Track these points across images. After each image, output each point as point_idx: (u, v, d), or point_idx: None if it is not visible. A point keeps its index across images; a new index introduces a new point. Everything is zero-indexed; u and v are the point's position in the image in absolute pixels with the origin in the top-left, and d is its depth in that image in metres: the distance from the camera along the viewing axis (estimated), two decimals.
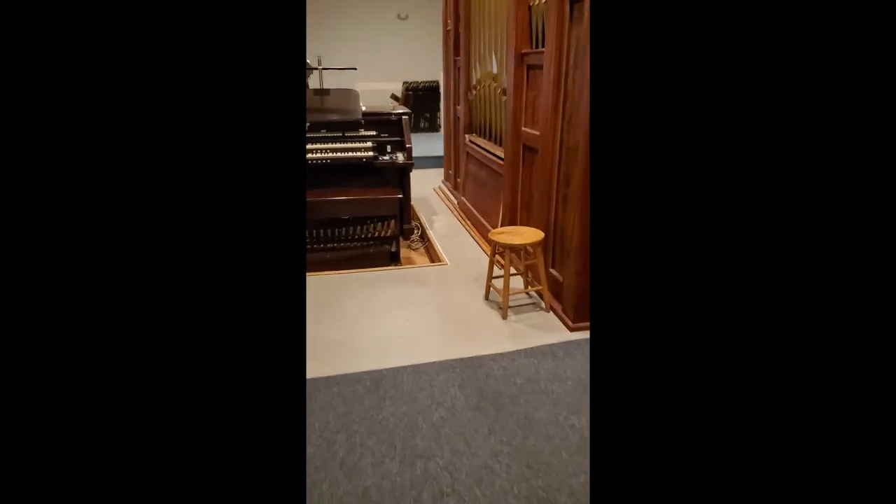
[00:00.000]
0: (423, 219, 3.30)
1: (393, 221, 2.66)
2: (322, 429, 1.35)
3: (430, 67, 6.78)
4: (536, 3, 2.05)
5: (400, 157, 2.71)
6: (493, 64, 2.65)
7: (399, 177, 2.78)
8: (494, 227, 2.63)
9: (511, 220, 2.43)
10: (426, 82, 6.83)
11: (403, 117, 2.76)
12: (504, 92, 2.49)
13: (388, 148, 2.78)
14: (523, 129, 2.23)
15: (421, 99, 6.68)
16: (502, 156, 2.53)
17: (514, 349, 1.74)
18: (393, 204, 2.61)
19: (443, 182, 4.19)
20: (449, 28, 3.57)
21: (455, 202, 3.57)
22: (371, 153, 2.68)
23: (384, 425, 1.36)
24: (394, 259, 2.76)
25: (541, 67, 2.01)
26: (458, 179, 3.61)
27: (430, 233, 3.01)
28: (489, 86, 2.75)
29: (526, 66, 2.16)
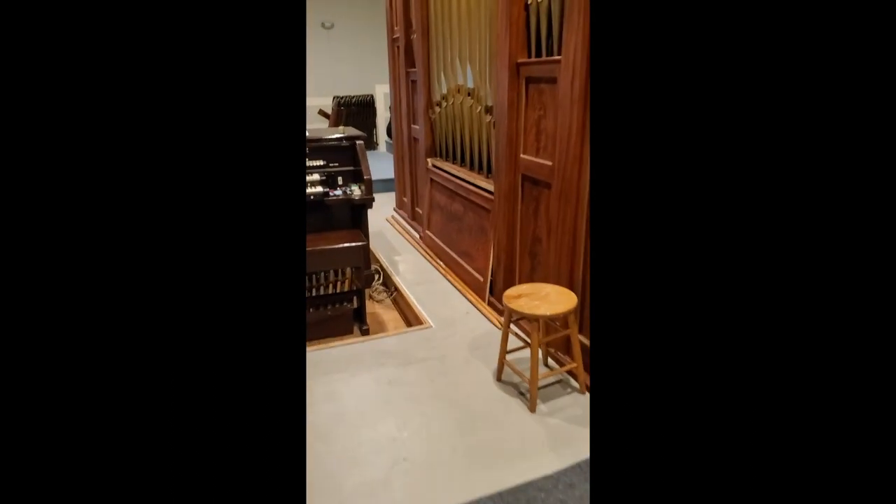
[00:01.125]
0: (383, 260, 2.76)
1: (350, 270, 2.09)
2: None
3: (362, 80, 6.23)
4: (535, 1, 1.63)
5: (356, 190, 2.16)
6: (468, 77, 2.19)
7: (356, 215, 2.23)
8: (482, 272, 2.16)
9: (508, 267, 1.98)
10: (359, 96, 6.27)
11: (358, 142, 2.22)
12: (489, 111, 2.04)
13: (340, 180, 2.23)
14: (522, 156, 1.80)
15: (354, 115, 6.10)
16: (489, 188, 2.07)
17: (563, 465, 1.26)
18: (355, 254, 2.05)
19: (396, 211, 3.66)
20: (397, 36, 3.08)
21: (417, 236, 3.07)
22: (319, 188, 2.12)
23: None
24: (359, 319, 2.19)
25: (550, 81, 1.58)
26: (419, 209, 3.11)
27: (398, 280, 2.48)
28: (460, 103, 2.30)
29: (524, 80, 1.73)
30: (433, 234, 2.77)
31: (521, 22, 1.71)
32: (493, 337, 1.89)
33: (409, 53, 2.96)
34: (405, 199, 3.43)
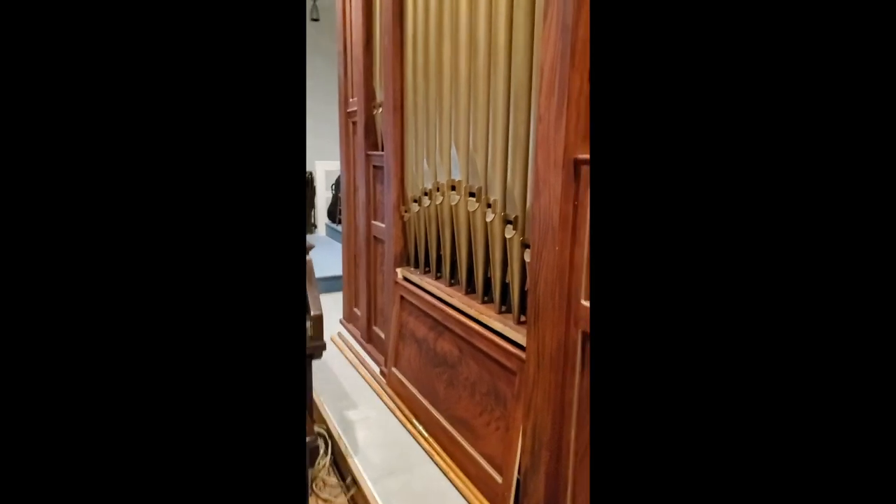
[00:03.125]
0: (330, 419, 1.89)
1: None
2: None
3: None
4: None
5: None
6: (474, 170, 1.53)
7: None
8: (500, 467, 1.38)
9: (552, 473, 1.22)
10: None
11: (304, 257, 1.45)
12: (513, 224, 1.36)
13: None
14: (584, 303, 1.11)
15: None
16: (516, 338, 1.36)
17: None
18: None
19: (343, 324, 2.82)
20: (353, 110, 2.43)
21: (376, 370, 2.24)
22: None
23: None
24: None
25: None
26: (378, 331, 2.32)
27: (356, 465, 1.61)
28: (455, 204, 1.62)
29: (589, 186, 1.08)
30: (404, 375, 1.97)
31: (585, 98, 1.10)
32: None
33: (371, 132, 2.30)
34: (357, 312, 2.62)
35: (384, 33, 2.01)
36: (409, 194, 1.96)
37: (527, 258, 1.31)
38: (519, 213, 1.34)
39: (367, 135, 2.31)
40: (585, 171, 1.09)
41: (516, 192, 1.33)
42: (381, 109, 2.16)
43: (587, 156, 1.09)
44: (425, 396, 1.80)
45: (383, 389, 2.09)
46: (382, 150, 2.17)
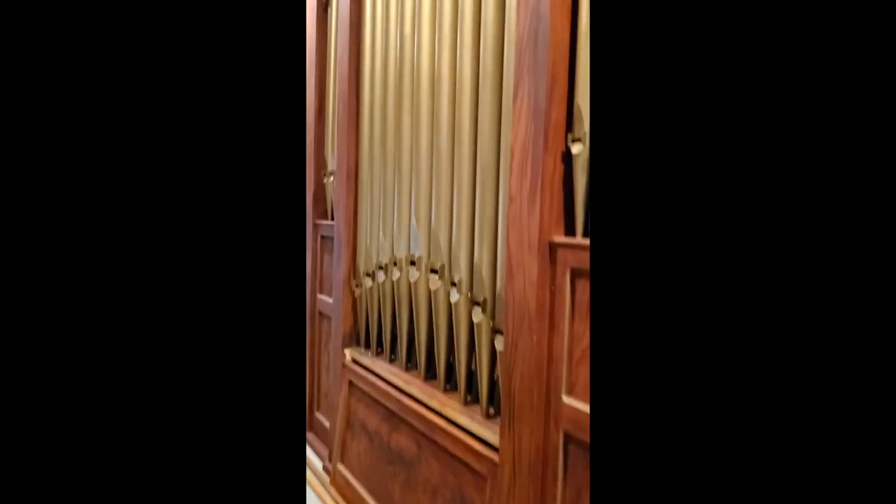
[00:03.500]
0: None
1: None
2: None
3: None
4: (582, 151, 1.00)
5: None
6: (436, 247, 1.44)
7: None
8: None
9: None
10: None
11: None
12: (481, 305, 1.26)
13: None
14: (566, 399, 1.00)
15: None
16: (486, 436, 1.21)
17: None
18: None
19: None
20: None
21: (317, 466, 1.97)
22: None
23: None
24: None
25: None
26: (322, 418, 2.08)
27: None
28: (415, 281, 1.51)
29: (566, 270, 1.01)
30: (352, 473, 1.73)
31: (558, 181, 1.05)
32: None
33: (321, 200, 2.19)
34: None
35: (339, 102, 1.95)
36: (362, 268, 1.82)
37: (498, 346, 1.20)
38: (488, 295, 1.24)
39: (315, 203, 2.18)
40: (562, 254, 1.02)
41: (484, 272, 1.24)
42: (332, 178, 2.06)
43: (563, 238, 1.03)
44: (377, 499, 1.57)
45: (326, 490, 1.82)
46: (332, 220, 2.04)
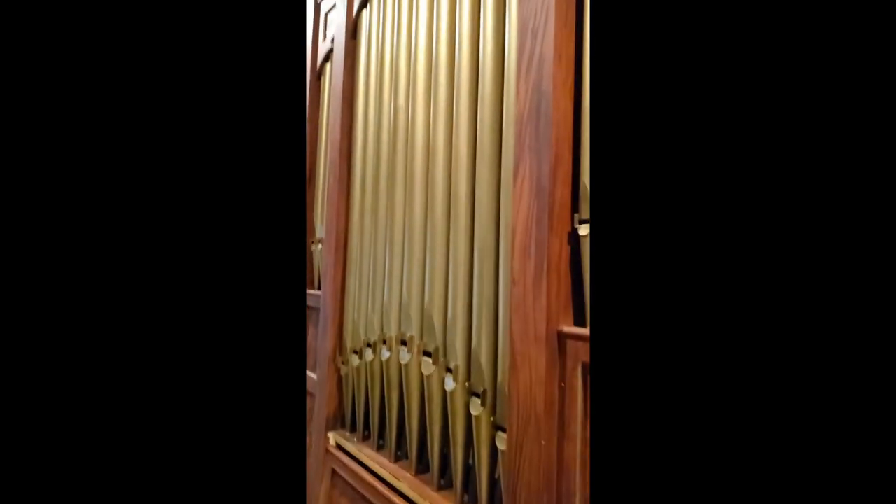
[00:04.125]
0: None
1: None
2: None
3: None
4: (588, 234, 0.93)
5: None
6: (429, 328, 1.33)
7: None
8: None
9: None
10: None
11: None
12: (480, 396, 1.14)
13: None
14: None
15: None
16: None
17: None
18: None
19: None
20: None
21: None
22: None
23: None
24: None
25: None
26: None
27: None
28: (406, 364, 1.39)
29: (579, 365, 0.91)
30: None
31: (565, 264, 0.97)
32: None
33: (308, 269, 2.09)
34: None
35: (330, 169, 1.90)
36: (349, 343, 1.70)
37: (500, 444, 1.07)
38: (488, 386, 1.12)
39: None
40: (572, 346, 0.93)
41: (483, 360, 1.14)
42: (320, 246, 1.98)
43: (573, 328, 0.94)
44: None
45: None
46: (319, 289, 1.94)
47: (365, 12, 1.82)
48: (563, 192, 0.98)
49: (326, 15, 2.22)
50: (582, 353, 0.91)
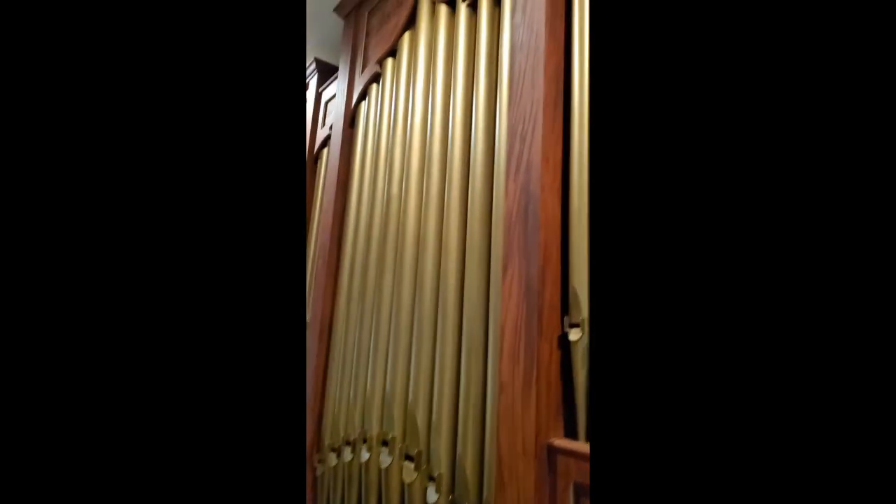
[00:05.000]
0: None
1: None
2: None
3: None
4: (582, 338, 0.89)
5: None
6: (414, 430, 1.24)
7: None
8: None
9: None
10: None
11: None
12: None
13: None
14: None
15: None
16: None
17: None
18: None
19: None
20: None
21: None
22: None
23: None
24: None
25: None
26: None
27: None
28: (387, 467, 1.28)
29: (570, 486, 0.83)
30: None
31: (555, 370, 0.92)
32: None
33: None
34: None
35: (319, 254, 1.89)
36: (328, 440, 1.58)
37: None
38: (473, 501, 1.03)
39: None
40: (563, 463, 0.85)
41: (468, 470, 1.05)
42: (308, 331, 1.91)
43: (563, 442, 0.87)
44: None
45: None
46: None
47: (363, 104, 1.91)
48: (553, 294, 0.95)
49: (327, 104, 2.32)
50: (574, 471, 0.83)
